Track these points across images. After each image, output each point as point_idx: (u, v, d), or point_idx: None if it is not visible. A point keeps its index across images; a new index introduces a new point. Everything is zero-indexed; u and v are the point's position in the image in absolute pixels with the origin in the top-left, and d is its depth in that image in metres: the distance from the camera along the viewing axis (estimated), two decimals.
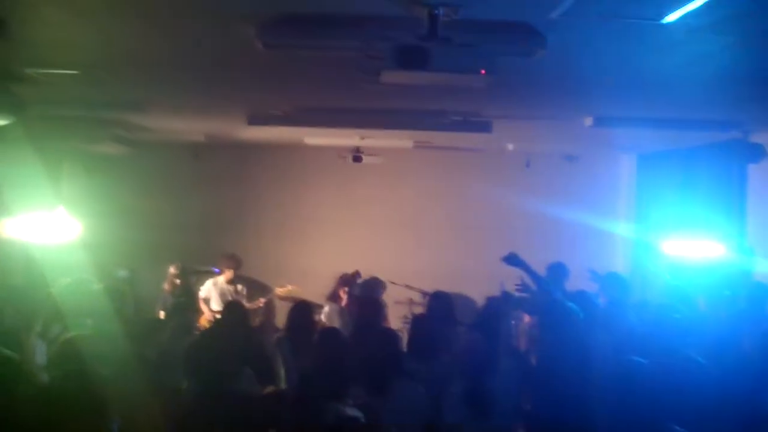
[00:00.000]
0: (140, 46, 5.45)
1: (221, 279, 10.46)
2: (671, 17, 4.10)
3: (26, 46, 5.21)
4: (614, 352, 5.49)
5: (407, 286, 11.52)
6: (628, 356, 4.80)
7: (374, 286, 8.87)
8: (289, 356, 6.61)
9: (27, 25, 4.66)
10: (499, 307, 8.62)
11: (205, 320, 9.90)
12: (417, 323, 6.93)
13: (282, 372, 6.65)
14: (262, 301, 10.30)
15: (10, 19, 4.46)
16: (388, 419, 5.02)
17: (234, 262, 10.39)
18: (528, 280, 8.06)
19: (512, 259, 7.69)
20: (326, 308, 9.37)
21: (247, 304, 10.07)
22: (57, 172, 11.54)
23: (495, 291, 10.07)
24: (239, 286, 10.42)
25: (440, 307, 7.46)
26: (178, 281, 10.06)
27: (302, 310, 7.30)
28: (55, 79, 6.53)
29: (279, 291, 10.80)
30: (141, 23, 4.74)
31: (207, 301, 10.41)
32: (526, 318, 8.77)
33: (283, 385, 6.51)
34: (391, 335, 6.30)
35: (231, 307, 7.69)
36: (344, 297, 9.18)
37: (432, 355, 6.17)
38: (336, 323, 8.75)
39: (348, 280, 9.38)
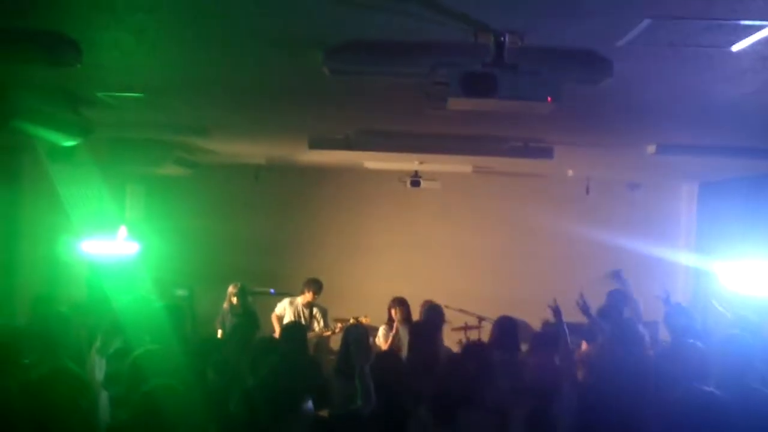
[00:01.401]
0: (205, 71, 5.54)
1: (299, 300, 10.50)
2: (740, 45, 4.06)
3: (96, 69, 5.31)
4: (682, 381, 5.39)
5: (461, 311, 11.46)
6: (699, 386, 4.71)
7: (435, 311, 8.83)
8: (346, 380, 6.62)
9: (97, 49, 4.76)
10: (557, 332, 8.56)
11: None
12: (471, 349, 6.87)
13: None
14: (339, 327, 10.31)
15: (83, 43, 4.56)
16: None
17: (315, 286, 10.42)
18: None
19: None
20: (380, 331, 9.40)
21: (318, 329, 10.14)
22: (121, 192, 11.76)
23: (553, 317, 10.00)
24: (315, 310, 10.45)
25: (502, 331, 7.40)
26: (236, 300, 10.14)
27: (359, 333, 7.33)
28: (122, 102, 6.66)
29: (363, 319, 10.81)
30: (206, 48, 4.81)
31: (281, 318, 10.44)
32: (584, 345, 8.66)
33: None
34: (456, 360, 6.26)
35: (290, 326, 7.81)
36: (395, 318, 9.17)
37: (494, 382, 6.13)
38: (384, 345, 8.79)
39: (398, 303, 9.35)
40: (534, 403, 5.44)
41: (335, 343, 9.84)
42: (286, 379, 5.20)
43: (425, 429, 5.05)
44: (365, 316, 10.49)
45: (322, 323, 10.40)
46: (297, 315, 10.41)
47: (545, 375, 5.55)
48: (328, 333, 10.42)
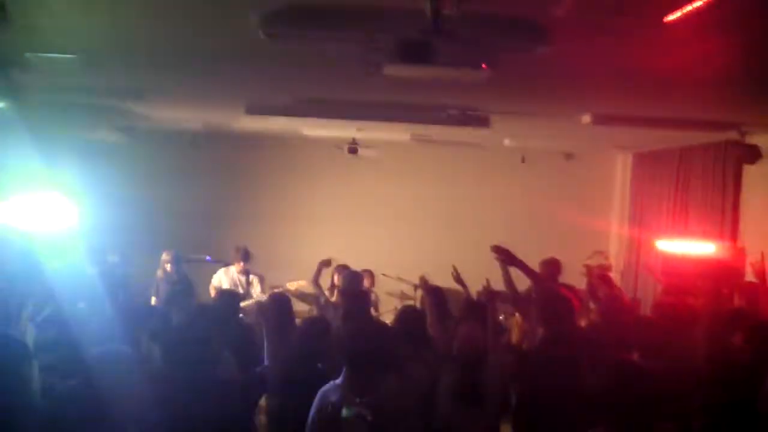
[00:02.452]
0: (140, 33, 5.44)
1: (234, 268, 10.47)
2: (672, 16, 4.10)
3: (25, 29, 5.18)
4: (611, 351, 5.49)
5: (399, 279, 11.53)
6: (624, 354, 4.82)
7: (354, 278, 8.83)
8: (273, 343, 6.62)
9: (26, 9, 4.64)
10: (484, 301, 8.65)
11: None
12: (407, 315, 6.89)
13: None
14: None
15: (9, 1, 4.44)
16: (385, 413, 5.00)
17: (243, 254, 10.39)
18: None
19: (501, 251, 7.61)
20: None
21: (257, 296, 10.11)
22: (53, 157, 11.52)
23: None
24: (252, 277, 10.42)
25: (432, 301, 7.46)
26: (169, 267, 10.05)
27: (281, 297, 7.34)
28: (54, 63, 6.50)
29: (289, 285, 10.82)
30: (142, 9, 4.72)
31: (218, 288, 10.40)
32: (516, 315, 8.79)
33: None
34: (383, 327, 6.28)
35: (222, 294, 7.89)
36: (338, 286, 9.17)
37: (423, 348, 6.18)
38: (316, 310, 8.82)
39: (325, 265, 9.34)
40: (460, 371, 5.49)
41: None
42: (203, 341, 5.18)
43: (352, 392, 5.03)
44: (300, 281, 10.50)
45: (259, 289, 10.38)
46: (233, 283, 10.38)
47: (472, 344, 5.58)
48: (265, 296, 10.41)
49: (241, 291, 10.19)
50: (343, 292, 8.17)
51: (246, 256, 10.38)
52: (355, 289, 8.39)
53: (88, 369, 4.41)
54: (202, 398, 4.83)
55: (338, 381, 4.99)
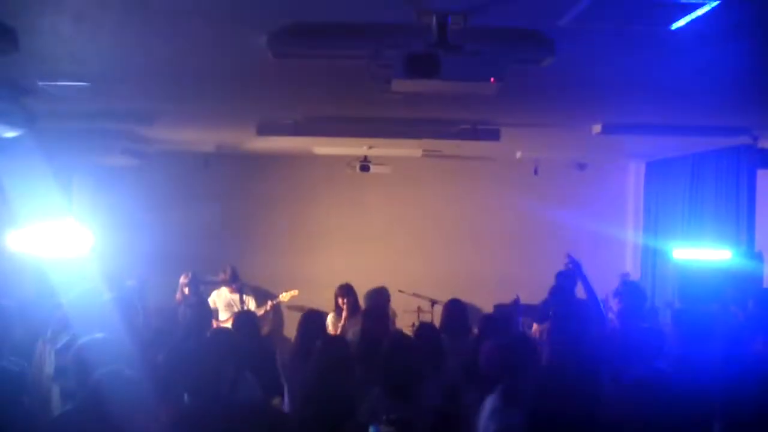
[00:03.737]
0: (150, 58, 5.48)
1: (224, 289, 10.51)
2: (680, 24, 4.10)
3: (37, 58, 5.24)
4: (636, 361, 5.46)
5: (415, 295, 11.52)
6: (653, 366, 4.79)
7: (378, 295, 8.82)
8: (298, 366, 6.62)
9: (37, 37, 4.68)
10: (507, 314, 8.65)
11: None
12: (422, 330, 6.90)
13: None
14: (270, 305, 10.38)
15: (20, 30, 4.48)
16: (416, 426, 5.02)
17: (227, 275, 10.45)
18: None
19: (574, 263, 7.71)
20: (328, 319, 9.40)
21: (255, 311, 10.13)
22: (67, 184, 11.59)
23: (503, 298, 10.10)
24: (245, 296, 10.46)
25: (452, 315, 7.46)
26: (188, 291, 10.08)
27: (312, 317, 7.31)
28: (66, 91, 6.55)
29: (282, 296, 10.88)
30: (150, 34, 4.76)
31: (215, 312, 10.45)
32: (534, 326, 8.77)
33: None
34: (405, 339, 6.27)
35: (242, 316, 7.81)
36: (344, 307, 9.13)
37: (441, 362, 6.18)
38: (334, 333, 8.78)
39: (344, 291, 9.32)
40: (488, 387, 5.45)
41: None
42: (222, 363, 5.18)
43: (376, 410, 5.05)
44: (293, 291, 10.57)
45: (254, 305, 10.43)
46: (228, 304, 10.43)
47: (501, 357, 5.55)
48: (264, 310, 10.46)
49: (236, 310, 10.23)
50: (365, 310, 8.13)
51: (234, 278, 10.42)
52: (378, 305, 8.38)
53: (89, 392, 4.43)
54: (221, 421, 4.84)
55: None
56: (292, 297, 10.53)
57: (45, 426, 4.58)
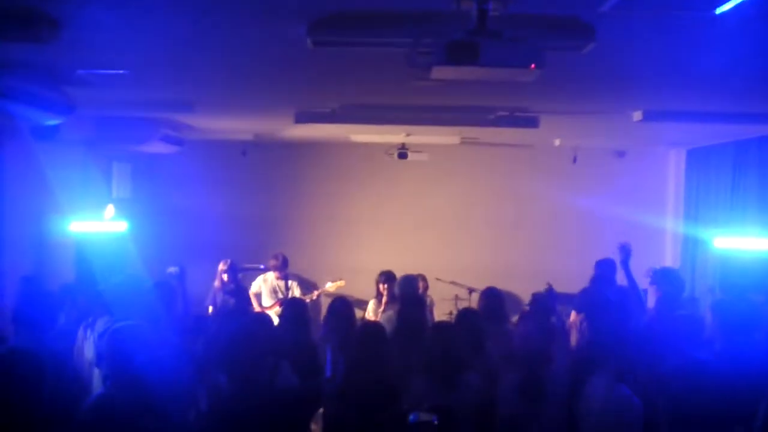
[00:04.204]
0: (188, 46, 5.50)
1: (271, 275, 10.55)
2: (724, 8, 4.04)
3: (77, 46, 5.27)
4: (675, 349, 5.40)
5: (453, 283, 11.51)
6: (692, 353, 4.74)
7: (410, 282, 8.82)
8: (334, 350, 6.63)
9: (77, 26, 4.71)
10: (546, 301, 8.62)
11: None
12: (463, 317, 6.90)
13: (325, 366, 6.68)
14: (315, 294, 10.43)
15: (62, 19, 4.52)
16: (457, 414, 5.03)
17: (279, 261, 10.47)
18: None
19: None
20: (369, 305, 9.42)
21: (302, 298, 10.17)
22: (107, 171, 11.71)
23: (542, 287, 10.06)
24: (290, 282, 10.50)
25: (490, 302, 7.45)
26: (226, 278, 10.15)
27: (342, 305, 7.32)
28: (105, 79, 6.61)
29: (329, 286, 10.89)
30: (188, 22, 4.77)
31: (258, 296, 10.50)
32: (573, 315, 8.71)
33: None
34: (448, 329, 6.27)
35: (291, 303, 7.76)
36: (384, 293, 9.15)
37: (481, 348, 6.18)
38: (374, 319, 8.79)
39: (385, 277, 9.34)
40: (524, 369, 5.46)
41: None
42: (259, 350, 5.20)
43: (420, 399, 5.06)
44: (339, 281, 10.59)
45: (298, 293, 10.45)
46: (273, 290, 10.47)
47: (533, 341, 5.56)
48: (310, 298, 10.48)
49: (280, 296, 10.29)
50: (400, 297, 8.13)
51: (284, 264, 10.45)
52: (412, 292, 8.37)
53: (129, 377, 4.47)
54: (259, 408, 4.87)
55: None
56: (339, 287, 10.55)
57: (84, 408, 4.62)
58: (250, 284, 10.78)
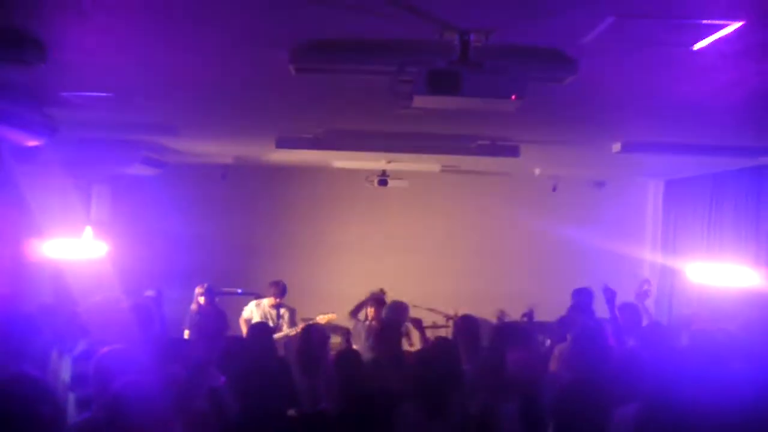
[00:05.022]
0: (172, 71, 5.51)
1: (265, 302, 10.48)
2: (702, 44, 4.11)
3: (61, 69, 5.27)
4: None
5: (430, 309, 11.50)
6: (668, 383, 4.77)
7: (399, 308, 8.83)
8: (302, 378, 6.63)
9: (62, 49, 4.72)
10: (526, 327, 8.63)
11: None
12: (441, 347, 6.89)
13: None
14: (299, 329, 10.37)
15: (47, 42, 4.52)
16: None
17: (275, 288, 10.41)
18: None
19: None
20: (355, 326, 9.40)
21: (286, 330, 10.11)
22: (86, 193, 11.66)
23: (519, 316, 10.07)
24: (282, 311, 10.43)
25: (464, 331, 7.45)
26: (203, 301, 10.11)
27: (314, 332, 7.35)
28: (87, 101, 6.60)
29: (320, 318, 10.85)
30: (173, 48, 4.79)
31: (248, 321, 10.41)
32: (548, 342, 8.73)
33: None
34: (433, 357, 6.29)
35: (255, 327, 7.80)
36: (371, 315, 9.15)
37: (460, 377, 6.17)
38: (361, 341, 8.79)
39: (374, 301, 9.34)
40: (521, 396, 5.46)
41: None
42: (255, 379, 5.19)
43: (414, 426, 5.07)
44: (331, 314, 10.52)
45: (286, 323, 10.39)
46: (264, 317, 10.40)
47: (527, 369, 5.57)
48: (295, 332, 10.41)
49: (271, 324, 10.21)
50: (384, 322, 8.15)
51: (283, 292, 10.39)
52: (400, 318, 8.40)
53: (109, 401, 4.45)
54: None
55: None
56: (330, 320, 10.50)
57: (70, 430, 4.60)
58: (227, 308, 10.72)
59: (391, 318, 8.44)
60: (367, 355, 7.75)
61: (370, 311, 9.13)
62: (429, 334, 10.96)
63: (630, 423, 4.94)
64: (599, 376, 5.60)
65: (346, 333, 9.46)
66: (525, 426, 5.42)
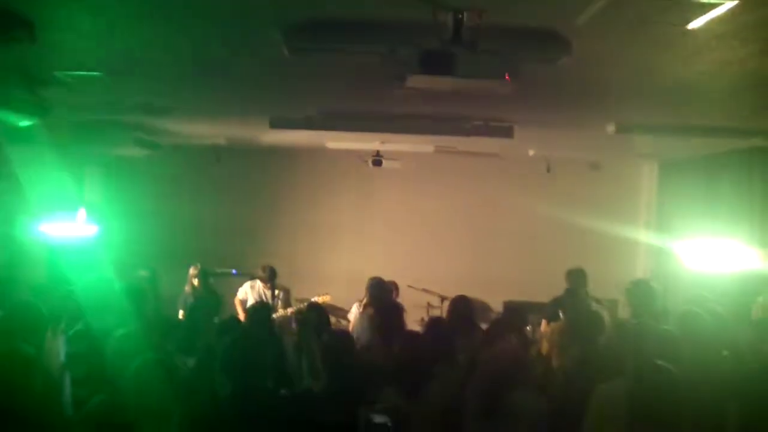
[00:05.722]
0: (164, 51, 5.49)
1: (260, 283, 10.49)
2: (696, 23, 4.10)
3: (52, 48, 5.25)
4: (641, 358, 5.46)
5: (425, 290, 11.52)
6: (655, 361, 4.79)
7: (380, 285, 8.83)
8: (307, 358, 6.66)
9: (53, 28, 4.70)
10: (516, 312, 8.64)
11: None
12: (433, 326, 6.91)
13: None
14: (290, 311, 10.38)
15: (38, 22, 4.50)
16: (417, 421, 5.05)
17: (269, 274, 10.40)
18: None
19: None
20: (353, 308, 9.41)
21: (281, 311, 10.12)
22: (80, 173, 11.63)
23: (513, 296, 10.10)
24: (277, 291, 10.44)
25: (459, 311, 7.47)
26: (197, 282, 10.11)
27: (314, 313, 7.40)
28: (80, 81, 6.57)
29: (316, 299, 10.86)
30: (165, 27, 4.77)
31: (244, 303, 10.43)
32: (543, 324, 8.76)
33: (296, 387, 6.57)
34: (416, 338, 6.29)
35: (255, 308, 7.91)
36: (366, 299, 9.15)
37: (452, 357, 6.18)
38: (357, 326, 8.80)
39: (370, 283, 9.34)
40: (493, 387, 5.44)
41: None
42: (250, 356, 5.20)
43: (396, 407, 5.08)
44: (325, 295, 10.53)
45: (281, 304, 10.40)
46: (259, 297, 10.41)
47: (505, 359, 5.55)
48: (291, 311, 10.43)
49: None
50: (376, 304, 8.15)
51: (272, 276, 10.39)
52: (384, 297, 8.39)
53: (118, 382, 4.47)
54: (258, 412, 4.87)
55: None
56: (324, 302, 10.52)
57: (79, 418, 4.61)
58: (222, 289, 10.72)
59: (373, 295, 8.44)
60: (363, 336, 7.81)
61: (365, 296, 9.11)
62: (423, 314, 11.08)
63: (615, 400, 4.98)
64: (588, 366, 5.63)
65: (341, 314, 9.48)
66: (487, 414, 5.41)
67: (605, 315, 7.46)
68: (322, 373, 5.62)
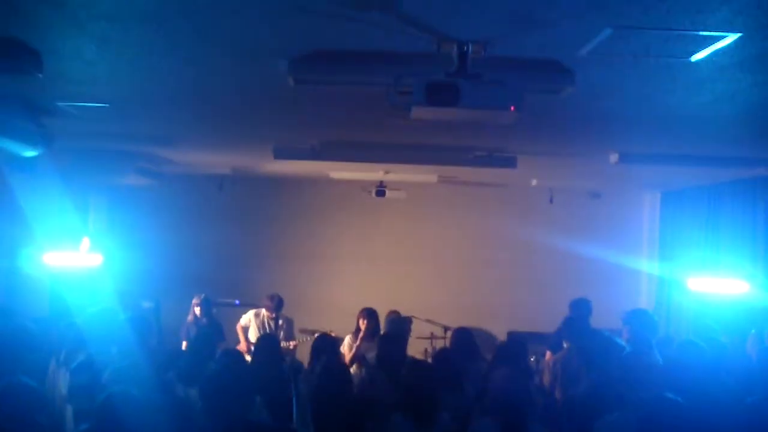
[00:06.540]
0: (169, 81, 5.51)
1: (264, 312, 10.45)
2: (700, 56, 4.11)
3: (58, 79, 5.27)
4: (643, 388, 5.44)
5: (428, 321, 11.49)
6: (661, 392, 4.77)
7: (401, 322, 8.85)
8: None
9: (59, 59, 4.72)
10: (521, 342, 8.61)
11: (241, 348, 9.88)
12: (441, 356, 6.94)
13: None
14: (292, 344, 10.34)
15: (43, 51, 4.52)
16: None
17: (276, 303, 10.37)
18: None
19: None
20: (345, 340, 9.36)
21: (283, 343, 10.07)
22: (83, 203, 11.65)
23: (517, 326, 10.06)
24: (281, 322, 10.40)
25: (462, 342, 7.48)
26: (199, 312, 10.09)
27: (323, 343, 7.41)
28: (84, 112, 6.60)
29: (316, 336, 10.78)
30: (170, 58, 4.78)
31: (245, 329, 10.39)
32: (548, 355, 8.73)
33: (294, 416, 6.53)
34: (424, 366, 6.29)
35: (263, 339, 7.99)
36: (362, 329, 9.11)
37: (458, 387, 6.19)
38: (348, 354, 8.77)
39: (366, 314, 9.30)
40: (505, 414, 5.40)
41: (300, 355, 9.87)
42: (235, 387, 5.18)
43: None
44: (330, 331, 10.49)
45: (282, 335, 10.36)
46: (262, 326, 10.37)
47: (514, 386, 5.51)
48: (293, 344, 10.39)
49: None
50: (384, 336, 8.14)
51: (279, 306, 10.35)
52: (402, 333, 8.42)
53: (98, 411, 4.44)
54: None
55: None
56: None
57: None
58: (224, 319, 10.70)
59: (392, 330, 8.47)
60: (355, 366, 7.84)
61: (362, 323, 9.07)
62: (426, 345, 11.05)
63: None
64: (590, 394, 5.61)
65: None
66: None
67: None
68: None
